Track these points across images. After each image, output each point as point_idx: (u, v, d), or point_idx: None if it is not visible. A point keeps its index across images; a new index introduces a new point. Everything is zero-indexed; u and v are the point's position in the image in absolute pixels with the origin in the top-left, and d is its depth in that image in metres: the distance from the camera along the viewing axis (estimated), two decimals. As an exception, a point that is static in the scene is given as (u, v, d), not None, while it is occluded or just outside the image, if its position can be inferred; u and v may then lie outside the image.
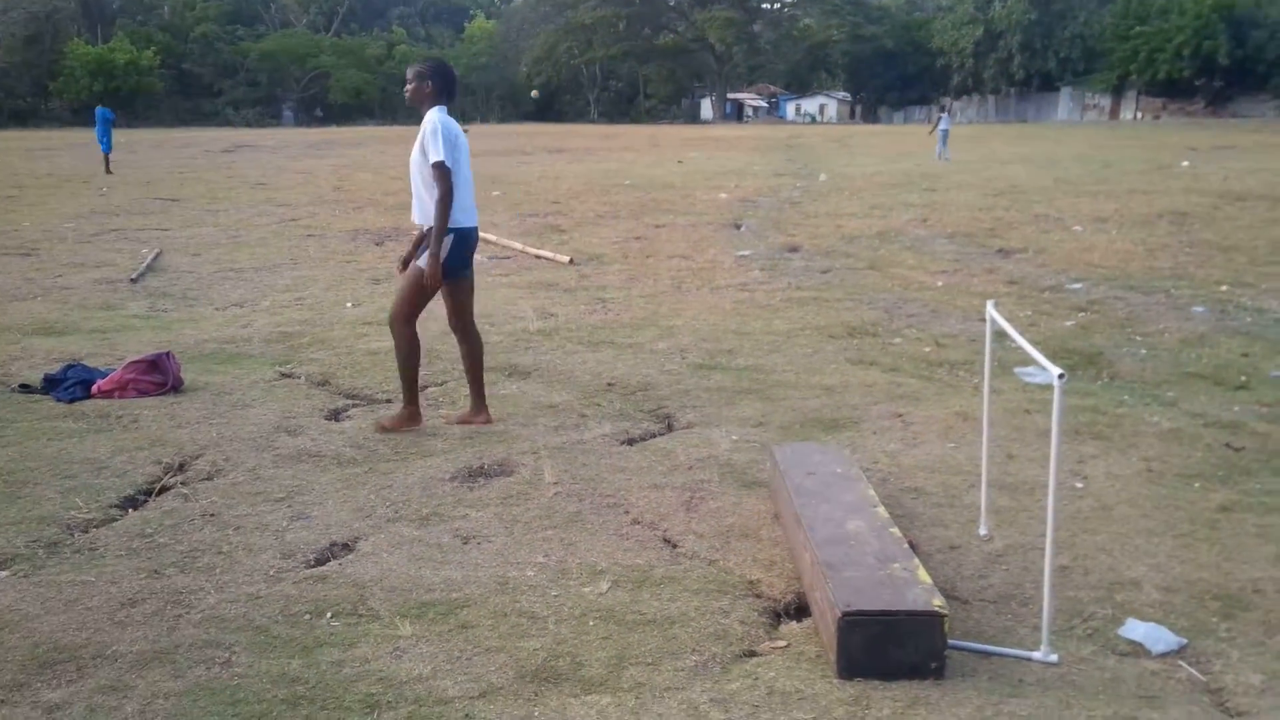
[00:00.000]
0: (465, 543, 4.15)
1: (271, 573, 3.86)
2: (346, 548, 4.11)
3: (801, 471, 4.32)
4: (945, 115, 27.29)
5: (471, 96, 75.10)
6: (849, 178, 20.61)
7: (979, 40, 60.66)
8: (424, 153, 5.23)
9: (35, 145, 36.12)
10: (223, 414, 5.82)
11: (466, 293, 5.71)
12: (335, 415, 5.90)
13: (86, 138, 39.61)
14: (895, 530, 3.70)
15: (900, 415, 5.81)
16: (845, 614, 3.08)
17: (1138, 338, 7.70)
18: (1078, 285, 9.62)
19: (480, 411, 5.72)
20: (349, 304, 9.17)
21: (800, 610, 3.57)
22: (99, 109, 26.42)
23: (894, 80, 71.71)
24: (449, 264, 5.37)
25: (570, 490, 4.71)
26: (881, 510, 3.89)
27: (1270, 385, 6.42)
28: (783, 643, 3.35)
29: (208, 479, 4.84)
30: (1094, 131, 42.22)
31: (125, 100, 63.91)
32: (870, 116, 75.25)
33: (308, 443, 5.35)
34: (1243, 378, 6.60)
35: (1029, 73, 60.07)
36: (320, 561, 3.98)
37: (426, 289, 5.39)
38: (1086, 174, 18.97)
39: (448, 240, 5.30)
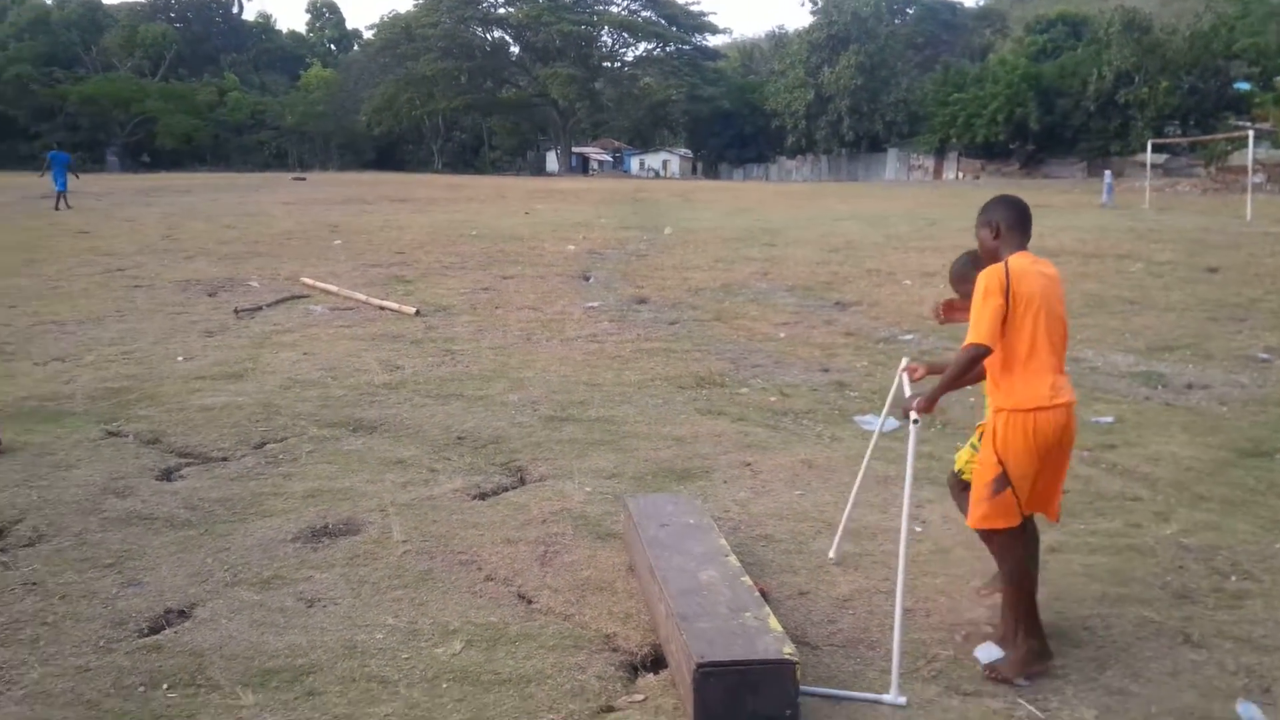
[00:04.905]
0: (310, 606, 4.00)
1: (101, 643, 3.63)
2: (182, 615, 3.90)
3: (655, 523, 4.36)
4: (1109, 172, 32.79)
5: (310, 144, 73.46)
6: (693, 232, 21.08)
7: (810, 103, 63.33)
8: None
9: None
10: (44, 476, 5.44)
11: None
12: (167, 475, 5.60)
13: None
14: (746, 579, 3.76)
15: (749, 464, 5.94)
16: (700, 665, 3.11)
17: (967, 387, 8.11)
18: (909, 336, 10.10)
19: None
20: (180, 358, 8.76)
21: (657, 663, 3.58)
22: (53, 153, 26.77)
23: (732, 138, 74.02)
24: None
25: (420, 548, 4.60)
26: (733, 559, 3.96)
27: (1090, 430, 6.86)
28: (640, 697, 3.35)
29: (29, 545, 4.53)
30: (920, 190, 44.60)
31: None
32: (711, 172, 77.35)
33: (138, 505, 5.07)
34: (1060, 423, 7.03)
35: (858, 134, 63.05)
36: (154, 630, 3.77)
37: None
38: (914, 231, 19.99)
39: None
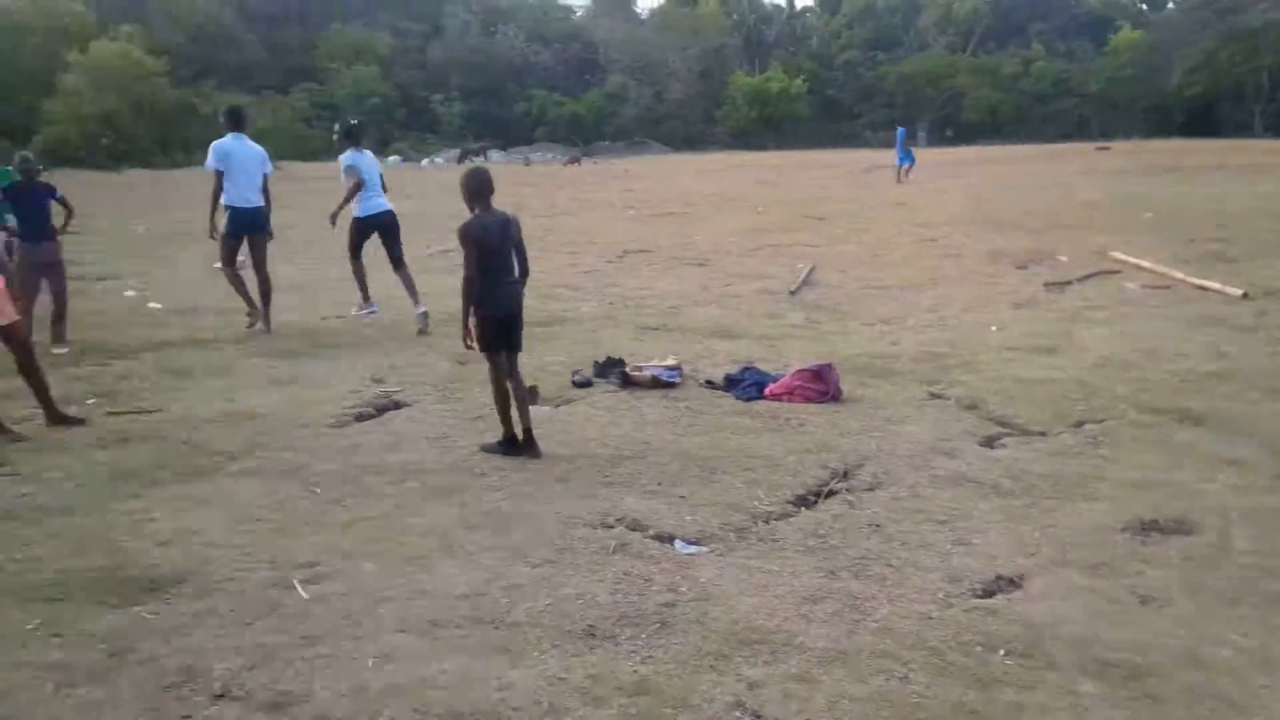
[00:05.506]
0: (1143, 603, 3.81)
1: (940, 595, 3.87)
2: (1013, 584, 3.99)
3: None
4: None
5: (1113, 111, 70.13)
6: None
7: None
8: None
9: (705, 167, 41.02)
10: (880, 428, 6.01)
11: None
12: (989, 442, 5.78)
13: (748, 160, 44.00)
14: None
15: None
16: None
17: None
18: None
19: None
20: (992, 328, 8.99)
21: None
22: (899, 129, 30.27)
23: None
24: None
25: (1267, 565, 4.09)
26: None
27: None
28: None
29: (870, 489, 5.03)
30: None
31: (774, 125, 69.96)
32: None
33: (963, 467, 5.32)
34: None
35: None
36: (987, 594, 3.91)
37: None
38: None
39: None
